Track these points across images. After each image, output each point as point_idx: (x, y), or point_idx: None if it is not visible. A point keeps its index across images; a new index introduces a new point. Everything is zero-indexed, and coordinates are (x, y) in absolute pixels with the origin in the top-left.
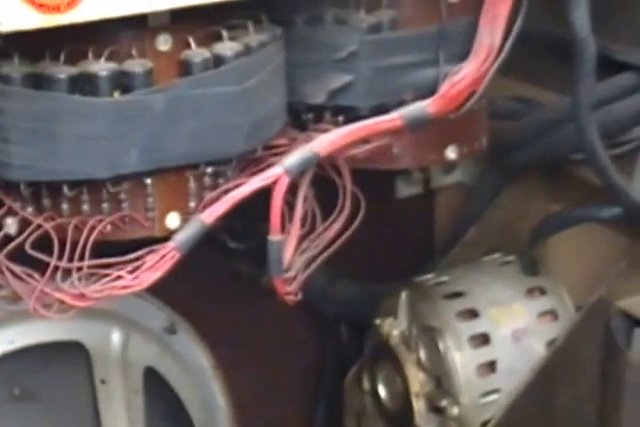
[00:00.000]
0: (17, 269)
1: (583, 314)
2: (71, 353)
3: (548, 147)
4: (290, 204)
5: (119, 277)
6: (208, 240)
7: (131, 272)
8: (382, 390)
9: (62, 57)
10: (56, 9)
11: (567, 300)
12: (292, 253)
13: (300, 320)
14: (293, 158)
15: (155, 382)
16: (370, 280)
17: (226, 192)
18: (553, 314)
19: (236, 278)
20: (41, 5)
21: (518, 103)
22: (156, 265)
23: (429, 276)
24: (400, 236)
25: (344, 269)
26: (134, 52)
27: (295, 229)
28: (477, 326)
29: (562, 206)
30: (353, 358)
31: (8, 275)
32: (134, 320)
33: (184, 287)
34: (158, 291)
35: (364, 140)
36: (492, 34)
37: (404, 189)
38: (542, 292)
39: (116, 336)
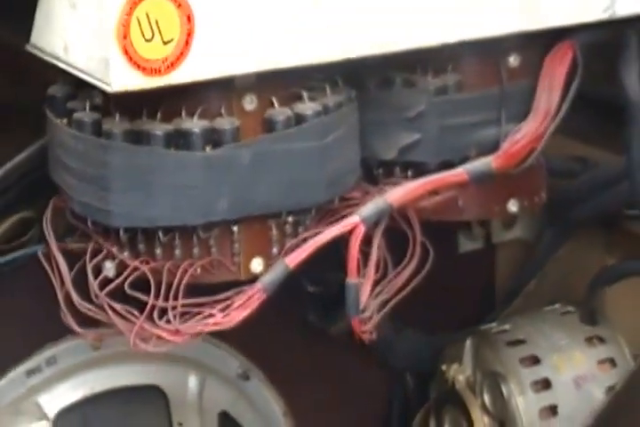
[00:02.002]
0: (118, 306)
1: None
2: (150, 397)
3: (602, 204)
4: (365, 252)
5: (211, 315)
6: (280, 289)
7: (221, 311)
8: None
9: (159, 115)
10: (157, 71)
11: (625, 348)
12: (368, 296)
13: (368, 368)
14: (369, 209)
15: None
16: (435, 331)
17: (305, 240)
18: (611, 362)
19: (305, 327)
20: (144, 68)
21: (575, 162)
22: (244, 304)
23: (492, 324)
24: (463, 288)
25: (410, 320)
26: (223, 110)
27: (370, 274)
28: (539, 372)
29: (617, 260)
30: (418, 405)
31: (110, 312)
32: (210, 366)
33: (256, 335)
34: (232, 339)
35: (433, 193)
36: (549, 96)
37: (466, 245)
38: (601, 340)
39: (192, 381)
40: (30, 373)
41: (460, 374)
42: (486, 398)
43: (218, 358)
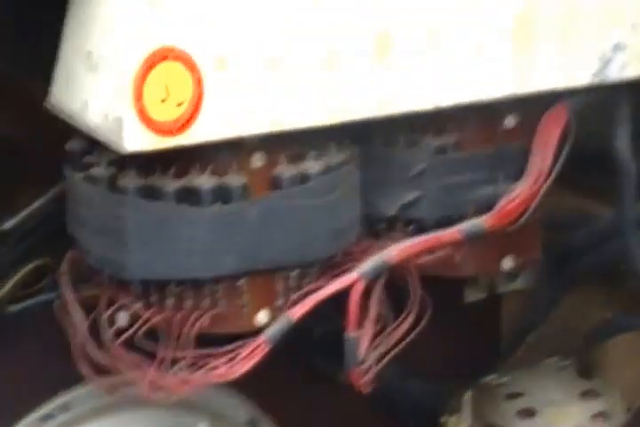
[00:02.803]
0: (130, 358)
1: (632, 416)
2: None
3: (601, 258)
4: (366, 306)
5: (216, 367)
6: (287, 338)
7: (227, 362)
8: None
9: (172, 171)
10: (169, 133)
11: (619, 402)
12: (367, 348)
13: (374, 416)
14: (368, 266)
15: None
16: (439, 380)
17: (308, 293)
18: (605, 415)
19: (313, 375)
20: (157, 129)
21: (575, 216)
22: (248, 356)
23: (492, 377)
24: (468, 338)
25: (416, 369)
26: (232, 168)
27: (369, 328)
28: (535, 425)
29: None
30: None
31: (122, 364)
32: (219, 413)
33: (264, 383)
34: (240, 386)
35: (430, 251)
36: (543, 157)
37: (472, 295)
38: (596, 394)
39: None
40: (44, 419)
41: (459, 425)
42: None
43: (226, 405)
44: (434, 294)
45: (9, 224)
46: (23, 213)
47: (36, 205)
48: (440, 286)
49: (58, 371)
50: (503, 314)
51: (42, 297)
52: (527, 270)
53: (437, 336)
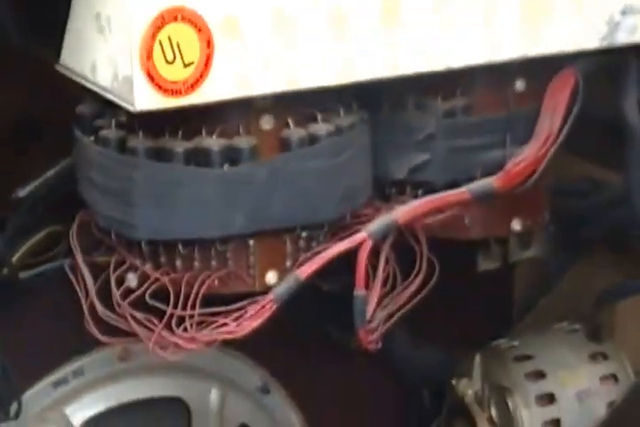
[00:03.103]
0: (139, 316)
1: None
2: (173, 409)
3: (610, 224)
4: (375, 266)
5: (225, 324)
6: (300, 303)
7: (234, 320)
8: None
9: (180, 133)
10: (178, 93)
11: (627, 365)
12: (375, 307)
13: (385, 383)
14: (376, 225)
15: None
16: (452, 346)
17: (317, 253)
18: (614, 378)
19: (325, 341)
20: (165, 89)
21: (586, 183)
22: (256, 314)
23: (502, 341)
24: (482, 305)
25: (429, 336)
26: (241, 129)
27: (377, 287)
28: (544, 387)
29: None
30: (433, 419)
31: (131, 321)
32: (231, 379)
33: (276, 349)
34: (252, 352)
35: (438, 211)
36: (551, 120)
37: (485, 263)
38: (605, 357)
39: (214, 394)
40: (57, 384)
41: (469, 388)
42: (493, 411)
43: (239, 371)
44: (448, 262)
45: (22, 192)
46: (37, 182)
47: (50, 173)
48: (454, 254)
49: (71, 337)
50: (515, 282)
51: (55, 264)
52: (538, 239)
53: (451, 304)
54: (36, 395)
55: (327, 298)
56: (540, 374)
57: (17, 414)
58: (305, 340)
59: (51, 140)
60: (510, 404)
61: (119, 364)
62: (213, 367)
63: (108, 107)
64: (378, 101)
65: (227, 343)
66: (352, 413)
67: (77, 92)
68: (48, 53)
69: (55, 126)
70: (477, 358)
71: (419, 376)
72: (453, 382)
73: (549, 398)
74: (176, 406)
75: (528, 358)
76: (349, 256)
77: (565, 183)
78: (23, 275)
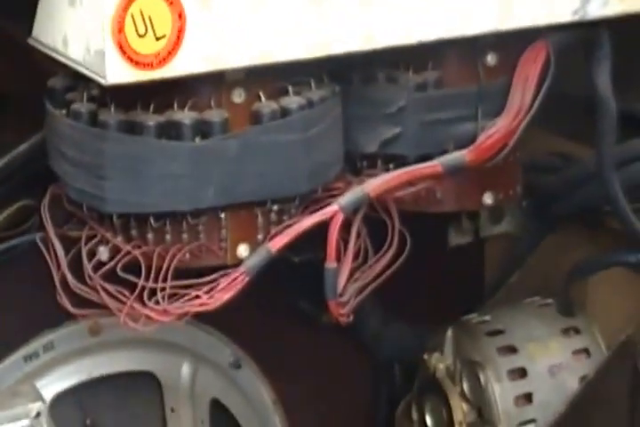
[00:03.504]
0: (110, 288)
1: (612, 353)
2: (144, 383)
3: (582, 199)
4: (346, 240)
5: (197, 297)
6: (272, 279)
7: (207, 292)
8: (429, 420)
9: (152, 106)
10: (150, 66)
11: (600, 339)
12: (345, 280)
13: (357, 359)
14: (347, 197)
15: (220, 414)
16: (424, 322)
17: (288, 227)
18: (586, 352)
19: (297, 316)
20: (137, 62)
21: (557, 158)
22: (228, 287)
23: (473, 315)
24: (453, 281)
25: (399, 312)
26: (213, 103)
27: (348, 260)
28: (515, 361)
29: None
30: (404, 394)
31: (102, 293)
32: (202, 354)
33: (248, 325)
34: (225, 328)
35: (410, 184)
36: (523, 94)
37: (456, 239)
38: (577, 331)
39: (185, 368)
40: (28, 358)
41: (440, 362)
42: (465, 385)
43: (210, 346)
44: (419, 237)
45: None
46: (10, 155)
47: (23, 146)
48: (425, 229)
49: (43, 311)
50: (486, 257)
51: (26, 237)
52: (510, 214)
53: (423, 279)
54: (7, 369)
55: (298, 272)
56: (511, 349)
57: None
58: (277, 316)
59: (22, 114)
60: (482, 378)
61: (90, 338)
62: (185, 342)
63: (79, 80)
64: (349, 75)
65: (199, 318)
66: (323, 388)
67: (49, 66)
68: (19, 27)
69: (27, 100)
70: (449, 333)
71: (390, 351)
72: (425, 356)
73: (521, 373)
74: (147, 381)
75: (500, 332)
76: (321, 229)
77: (537, 158)
78: None
